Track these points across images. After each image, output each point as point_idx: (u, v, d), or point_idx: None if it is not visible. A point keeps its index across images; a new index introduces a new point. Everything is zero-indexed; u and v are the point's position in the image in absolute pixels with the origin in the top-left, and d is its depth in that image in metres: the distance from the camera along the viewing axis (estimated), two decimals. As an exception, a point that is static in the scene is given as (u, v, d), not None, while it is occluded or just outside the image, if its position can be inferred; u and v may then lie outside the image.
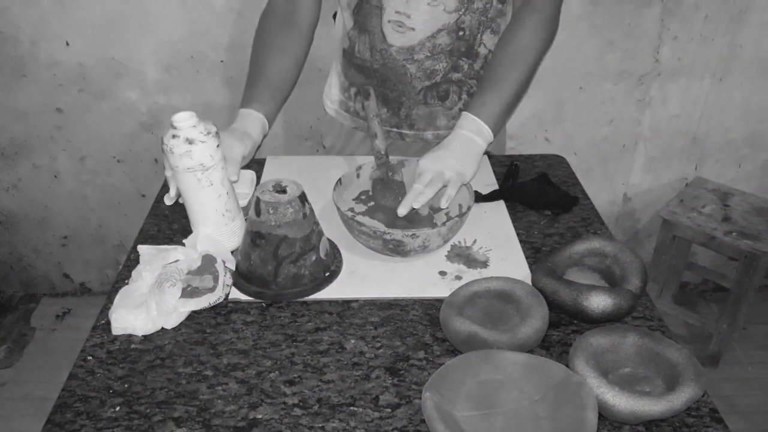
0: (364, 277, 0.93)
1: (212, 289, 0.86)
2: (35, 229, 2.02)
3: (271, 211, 0.85)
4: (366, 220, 1.02)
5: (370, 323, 0.86)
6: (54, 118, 1.81)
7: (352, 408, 0.74)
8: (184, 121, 0.86)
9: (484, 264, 0.96)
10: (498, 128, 1.05)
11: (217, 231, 0.95)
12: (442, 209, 1.04)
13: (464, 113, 1.04)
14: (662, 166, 1.96)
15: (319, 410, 0.74)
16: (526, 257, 0.98)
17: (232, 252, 0.96)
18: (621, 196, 2.02)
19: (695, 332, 2.02)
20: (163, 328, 0.85)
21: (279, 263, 0.88)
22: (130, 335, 0.84)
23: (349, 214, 1.00)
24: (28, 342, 2.02)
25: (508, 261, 0.97)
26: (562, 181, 1.19)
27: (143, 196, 1.96)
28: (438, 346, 0.82)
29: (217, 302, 0.87)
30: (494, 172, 1.20)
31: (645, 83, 1.81)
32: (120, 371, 0.79)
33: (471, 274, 0.94)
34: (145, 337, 0.84)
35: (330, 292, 0.90)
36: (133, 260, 0.96)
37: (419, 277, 0.93)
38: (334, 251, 0.97)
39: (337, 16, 1.21)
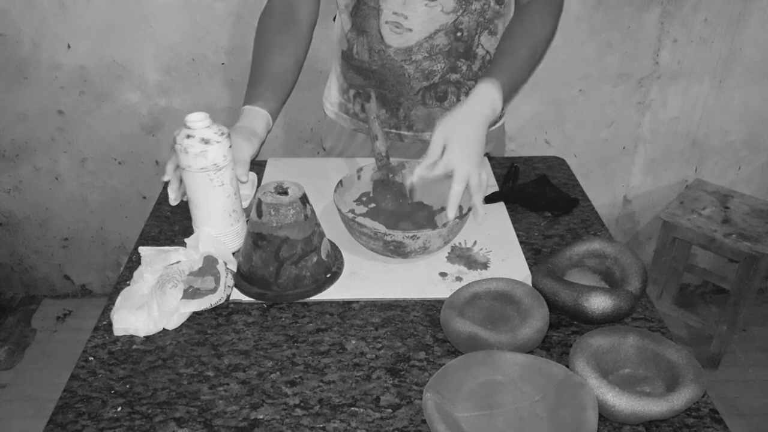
0: (365, 278, 0.94)
1: (213, 290, 0.87)
2: (36, 231, 2.03)
3: (272, 213, 0.86)
4: (367, 221, 1.02)
5: (371, 324, 0.86)
6: (55, 120, 1.81)
7: (353, 408, 0.74)
8: (199, 121, 0.88)
9: (485, 265, 0.96)
10: (506, 100, 1.04)
11: (222, 231, 0.95)
12: (444, 209, 1.05)
13: (481, 80, 1.01)
14: (662, 168, 1.97)
15: (320, 411, 0.74)
16: (527, 258, 0.98)
17: (233, 253, 0.96)
18: (621, 198, 2.02)
19: (695, 334, 2.02)
20: (164, 328, 0.85)
21: (280, 264, 0.88)
22: (132, 336, 0.84)
23: (350, 215, 1.00)
24: (29, 343, 2.02)
25: (508, 262, 0.97)
26: (562, 183, 1.19)
27: (144, 198, 1.96)
28: (438, 347, 0.83)
29: (219, 303, 0.88)
30: (494, 173, 1.20)
31: (645, 86, 1.81)
32: (121, 372, 0.79)
33: (471, 275, 0.94)
34: (147, 337, 0.84)
35: (331, 293, 0.91)
36: (134, 261, 0.96)
37: (420, 279, 0.93)
38: (335, 252, 0.98)
39: (336, 18, 1.21)
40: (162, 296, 0.84)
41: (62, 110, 1.80)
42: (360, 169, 1.06)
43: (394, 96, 1.17)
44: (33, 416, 1.77)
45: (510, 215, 1.08)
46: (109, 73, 1.74)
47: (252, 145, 1.03)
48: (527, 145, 1.91)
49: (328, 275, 0.93)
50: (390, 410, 0.74)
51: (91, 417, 0.73)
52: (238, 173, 0.96)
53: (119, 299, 0.87)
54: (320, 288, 0.91)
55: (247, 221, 0.99)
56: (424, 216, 1.04)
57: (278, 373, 0.79)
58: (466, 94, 1.17)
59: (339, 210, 0.95)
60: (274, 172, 1.20)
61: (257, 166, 1.22)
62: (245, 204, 1.06)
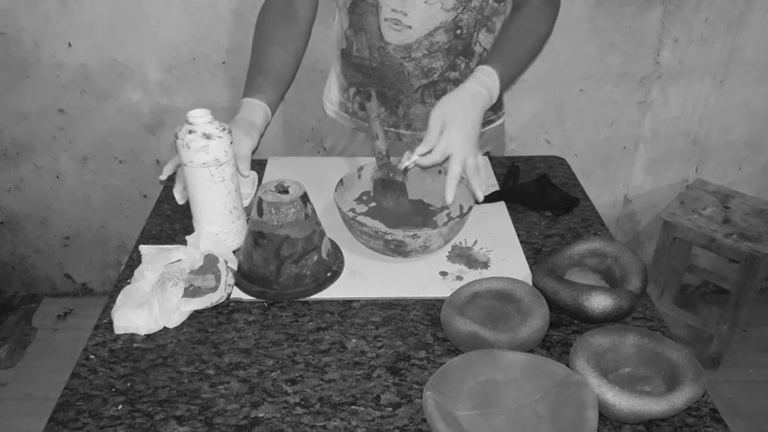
0: (366, 277, 0.94)
1: (214, 289, 0.87)
2: (37, 230, 2.03)
3: (273, 211, 0.86)
4: (367, 220, 1.02)
5: (372, 323, 0.86)
6: (56, 119, 1.81)
7: (353, 407, 0.74)
8: (201, 117, 0.88)
9: (485, 264, 0.96)
10: (502, 90, 1.06)
11: (223, 229, 0.95)
12: (445, 209, 1.05)
13: (480, 66, 1.03)
14: (663, 167, 1.97)
15: (321, 409, 0.74)
16: (527, 258, 0.98)
17: (234, 252, 0.96)
18: (621, 197, 2.02)
19: (696, 334, 2.02)
20: (165, 327, 0.85)
21: (281, 263, 0.88)
22: (133, 334, 0.84)
23: (351, 214, 1.00)
24: (29, 342, 2.02)
25: (508, 261, 0.97)
26: (563, 183, 1.19)
27: (145, 197, 1.96)
28: (439, 346, 0.83)
29: (219, 302, 0.88)
30: (495, 173, 1.20)
31: (646, 85, 1.81)
32: (122, 370, 0.79)
33: (472, 275, 0.94)
34: (148, 336, 0.84)
35: (331, 292, 0.91)
36: (135, 260, 0.96)
37: (420, 278, 0.94)
38: (336, 251, 0.98)
39: (335, 17, 1.21)
40: (163, 294, 0.84)
41: (63, 109, 1.80)
42: (360, 168, 1.06)
43: (394, 94, 1.17)
44: (34, 414, 1.77)
45: (510, 214, 1.08)
46: (111, 72, 1.74)
47: (252, 139, 1.03)
48: (528, 145, 1.91)
49: (329, 274, 0.93)
50: (390, 409, 0.74)
51: (91, 415, 0.73)
52: (240, 168, 0.97)
53: (120, 297, 0.87)
54: (321, 287, 0.91)
55: (247, 220, 0.99)
56: (424, 215, 1.05)
57: (279, 371, 0.79)
58: None
59: (339, 209, 0.95)
60: (274, 171, 1.20)
61: (258, 165, 1.22)
62: (246, 203, 1.06)
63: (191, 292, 0.86)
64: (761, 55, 1.77)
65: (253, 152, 1.06)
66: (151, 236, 1.03)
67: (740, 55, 1.77)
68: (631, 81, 1.80)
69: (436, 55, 1.10)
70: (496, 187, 1.15)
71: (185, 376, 0.78)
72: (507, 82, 1.06)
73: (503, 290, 0.86)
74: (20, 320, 2.08)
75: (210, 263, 0.89)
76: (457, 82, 1.15)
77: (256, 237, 0.88)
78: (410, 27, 1.08)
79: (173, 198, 1.13)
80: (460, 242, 1.01)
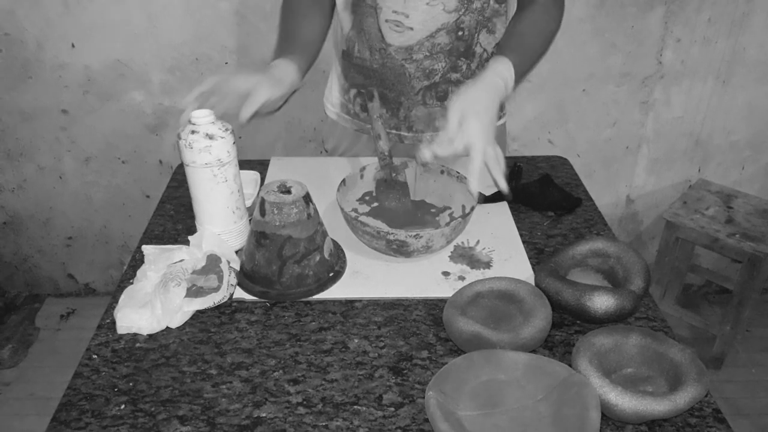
0: (368, 277, 0.94)
1: (217, 289, 0.87)
2: (40, 230, 2.03)
3: (275, 212, 0.86)
4: (370, 220, 1.02)
5: (374, 323, 0.86)
6: (59, 119, 1.82)
7: (355, 407, 0.74)
8: (203, 117, 0.89)
9: (488, 264, 0.96)
10: (517, 82, 1.05)
11: (226, 229, 0.95)
12: (447, 209, 1.05)
13: (496, 57, 1.02)
14: (665, 168, 1.96)
15: (323, 409, 0.74)
16: (529, 258, 0.98)
17: (236, 252, 0.96)
18: (624, 197, 2.02)
19: (698, 334, 2.01)
20: (167, 327, 0.85)
21: (283, 263, 0.88)
22: (135, 334, 0.84)
23: (353, 214, 1.00)
24: (32, 342, 2.02)
25: (511, 261, 0.97)
26: (565, 183, 1.19)
27: (147, 197, 1.97)
28: (441, 346, 0.83)
29: (222, 302, 0.88)
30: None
31: (648, 85, 1.81)
32: (125, 370, 0.79)
33: (474, 275, 0.94)
34: (150, 336, 0.84)
35: (334, 292, 0.91)
36: (137, 260, 0.96)
37: (422, 278, 0.94)
38: (338, 251, 0.98)
39: (335, 19, 1.21)
40: (165, 294, 0.84)
41: (66, 109, 1.80)
42: (363, 168, 1.06)
43: (395, 95, 1.17)
44: (36, 414, 1.77)
45: (513, 215, 1.08)
46: (113, 73, 1.75)
47: (272, 89, 0.99)
48: (530, 145, 1.91)
49: (331, 274, 0.93)
50: (392, 409, 0.74)
51: (94, 415, 0.73)
52: (242, 111, 0.94)
53: (123, 297, 0.87)
54: (323, 287, 0.91)
55: (250, 220, 0.99)
56: (426, 215, 1.05)
57: (281, 371, 0.79)
58: None
59: (342, 209, 0.95)
60: (276, 172, 1.20)
61: (260, 165, 1.22)
62: (248, 203, 1.06)
63: (194, 292, 0.86)
64: (764, 55, 1.77)
65: (270, 106, 1.01)
66: (153, 236, 1.03)
67: (743, 56, 1.77)
68: (633, 81, 1.80)
69: (437, 57, 1.10)
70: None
71: (188, 375, 0.78)
72: (520, 76, 1.05)
73: (506, 290, 0.86)
74: (23, 320, 2.09)
75: (212, 263, 0.89)
76: (458, 84, 1.15)
77: (259, 237, 0.88)
78: (412, 29, 1.08)
79: (176, 198, 1.13)
80: (463, 242, 1.01)
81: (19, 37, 1.68)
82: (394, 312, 0.88)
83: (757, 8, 1.69)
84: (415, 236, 0.90)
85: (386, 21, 1.08)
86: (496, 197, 1.10)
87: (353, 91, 1.22)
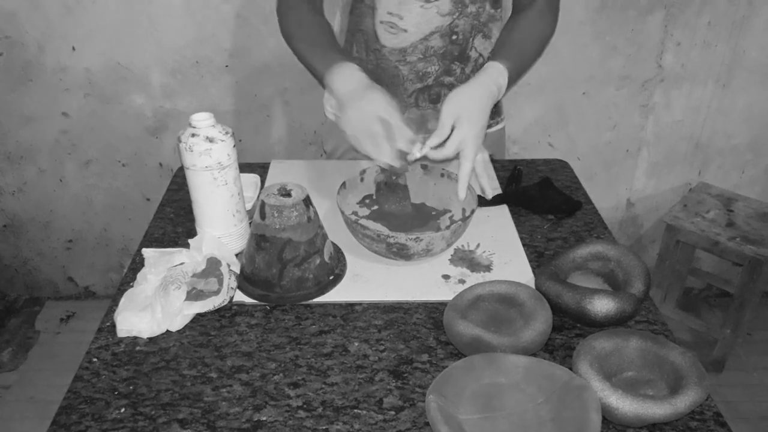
0: (368, 281, 0.94)
1: (217, 292, 0.87)
2: (40, 233, 2.03)
3: (275, 215, 0.86)
4: (370, 223, 1.02)
5: (374, 326, 0.86)
6: (60, 122, 1.82)
7: (355, 410, 0.74)
8: (204, 120, 0.89)
9: (488, 268, 0.96)
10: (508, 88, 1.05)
11: (226, 232, 0.95)
12: (447, 212, 1.05)
13: (491, 62, 1.02)
14: (665, 171, 1.96)
15: (323, 413, 0.74)
16: (530, 261, 0.98)
17: (236, 255, 0.96)
18: (624, 201, 2.02)
19: (699, 338, 2.01)
20: (167, 330, 0.85)
21: (283, 266, 0.88)
22: (135, 337, 0.84)
23: (353, 217, 1.00)
24: (32, 345, 2.02)
25: (511, 265, 0.97)
26: (566, 186, 1.19)
27: (148, 200, 1.97)
28: (441, 350, 0.83)
29: (222, 305, 0.88)
30: (498, 176, 1.20)
31: (648, 89, 1.81)
32: (125, 373, 0.79)
33: (474, 278, 0.94)
34: (150, 339, 0.84)
35: (334, 296, 0.91)
36: (138, 263, 0.96)
37: (423, 281, 0.94)
38: (338, 254, 0.98)
39: (336, 18, 1.21)
40: (165, 298, 0.84)
41: (67, 112, 1.81)
42: (363, 171, 1.06)
43: None
44: (36, 417, 1.77)
45: (513, 218, 1.08)
46: (114, 76, 1.75)
47: (391, 99, 0.94)
48: (530, 148, 1.91)
49: (331, 277, 0.93)
50: (393, 412, 0.74)
51: (94, 418, 0.73)
52: (405, 134, 0.90)
53: (123, 301, 0.87)
54: (323, 290, 0.91)
55: (250, 223, 0.99)
56: (427, 218, 1.05)
57: (281, 374, 0.79)
58: None
59: (342, 212, 0.95)
60: (277, 174, 1.20)
61: (260, 168, 1.22)
62: (248, 206, 1.06)
63: (194, 295, 0.86)
64: (764, 58, 1.77)
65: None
66: (153, 239, 1.03)
67: (743, 59, 1.77)
68: (633, 84, 1.80)
69: (431, 60, 1.10)
70: (499, 190, 1.15)
71: (188, 379, 0.78)
72: (512, 82, 1.06)
73: (506, 294, 0.86)
74: (23, 323, 2.09)
75: (212, 266, 0.89)
76: (452, 87, 1.15)
77: (259, 240, 0.88)
78: (405, 30, 1.08)
79: (176, 201, 1.13)
80: (463, 245, 1.01)
81: (20, 40, 1.69)
82: (395, 315, 0.88)
83: (757, 11, 1.70)
84: (415, 239, 0.90)
85: (381, 22, 1.09)
86: (496, 200, 1.10)
87: None
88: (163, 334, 0.85)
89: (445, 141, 0.94)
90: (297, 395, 0.76)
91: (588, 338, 0.78)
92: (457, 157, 0.94)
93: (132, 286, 0.91)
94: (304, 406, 0.75)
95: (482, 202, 1.08)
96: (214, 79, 1.76)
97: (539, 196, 1.12)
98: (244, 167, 1.18)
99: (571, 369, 0.75)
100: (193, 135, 0.89)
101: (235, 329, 0.86)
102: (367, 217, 1.04)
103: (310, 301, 0.90)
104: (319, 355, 0.81)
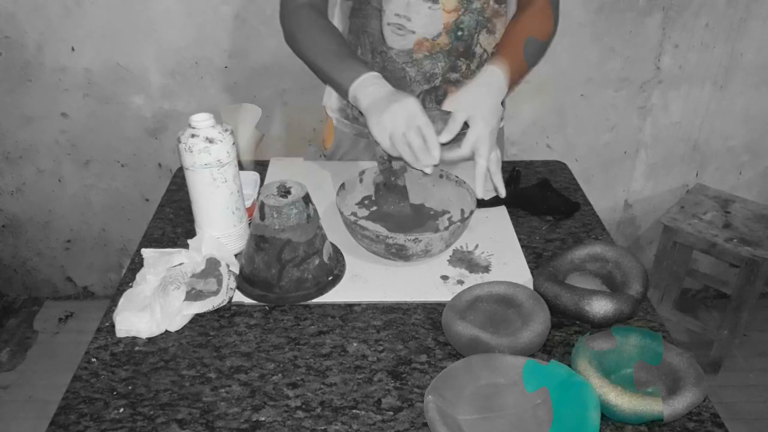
0: (367, 281, 0.94)
1: (216, 293, 0.87)
2: (39, 233, 2.03)
3: (275, 215, 0.86)
4: (369, 224, 1.02)
5: (373, 327, 0.86)
6: (59, 122, 1.82)
7: (354, 411, 0.74)
8: (203, 121, 0.89)
9: (486, 268, 0.97)
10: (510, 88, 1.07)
11: (225, 232, 0.96)
12: (446, 213, 1.05)
13: (494, 60, 1.03)
14: (663, 172, 1.97)
15: (322, 413, 0.74)
16: (528, 262, 0.98)
17: (235, 255, 0.97)
18: (622, 202, 2.03)
19: (696, 339, 2.02)
20: (166, 330, 0.85)
21: (282, 267, 0.88)
22: (134, 338, 0.84)
23: (352, 218, 1.00)
24: (30, 345, 2.02)
25: (509, 266, 0.97)
26: (564, 187, 1.19)
27: (147, 200, 1.97)
28: (440, 350, 0.83)
29: (221, 305, 0.88)
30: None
31: (646, 90, 1.82)
32: (124, 373, 0.79)
33: (473, 279, 0.94)
34: (149, 339, 0.84)
35: (333, 296, 0.91)
36: (137, 263, 0.96)
37: (421, 281, 0.94)
38: (337, 255, 0.98)
39: (336, 21, 1.21)
40: (164, 298, 0.84)
41: (66, 113, 1.81)
42: (362, 172, 1.07)
43: None
44: (35, 417, 1.77)
45: (511, 219, 1.09)
46: (113, 76, 1.75)
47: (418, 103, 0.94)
48: (529, 149, 1.91)
49: (330, 278, 0.93)
50: (391, 413, 0.74)
51: (93, 418, 0.73)
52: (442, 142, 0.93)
53: (122, 301, 0.87)
54: (322, 291, 0.91)
55: (249, 224, 0.99)
56: (425, 219, 1.05)
57: (280, 375, 0.79)
58: None
59: (341, 213, 0.95)
60: (276, 172, 1.21)
61: (260, 165, 1.22)
62: (248, 203, 1.06)
63: (193, 295, 0.86)
64: (761, 60, 1.77)
65: None
66: (153, 240, 1.03)
67: (740, 61, 1.77)
68: (631, 86, 1.81)
69: (437, 57, 1.11)
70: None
71: (186, 379, 0.78)
72: (515, 81, 1.07)
73: (504, 294, 0.86)
74: (21, 323, 2.08)
75: (212, 267, 0.90)
76: (457, 83, 1.15)
77: (258, 241, 0.88)
78: (414, 32, 1.08)
79: (175, 201, 1.13)
80: (462, 246, 1.01)
81: (19, 40, 1.69)
82: (393, 316, 0.88)
83: (755, 13, 1.70)
84: (414, 240, 0.90)
85: (388, 24, 1.09)
86: (495, 201, 1.11)
87: None
88: (162, 334, 0.85)
89: (453, 140, 0.96)
90: (296, 395, 0.76)
91: (586, 336, 0.78)
92: (471, 157, 0.96)
93: (131, 287, 0.91)
94: (303, 406, 0.75)
95: (481, 203, 1.08)
96: (213, 79, 1.76)
97: (538, 197, 1.12)
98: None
99: (570, 366, 0.76)
100: (192, 135, 0.89)
101: (234, 329, 0.86)
102: (366, 218, 1.04)
103: (309, 302, 0.90)
104: (318, 356, 0.82)
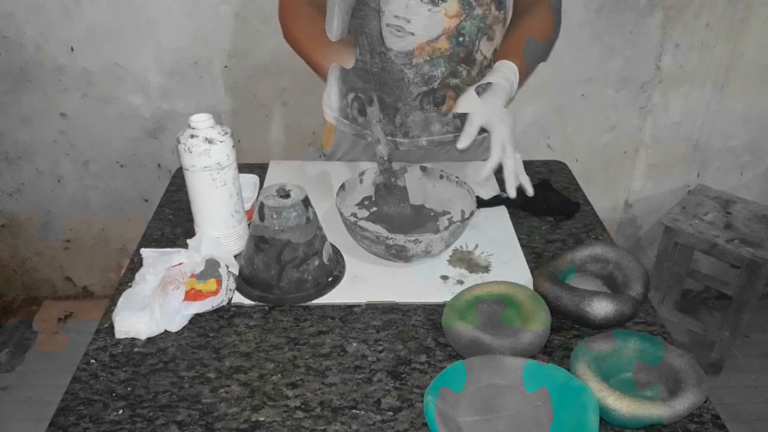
0: (367, 282, 0.94)
1: (215, 293, 0.87)
2: (38, 233, 2.03)
3: (274, 216, 0.86)
4: (369, 225, 1.02)
5: (373, 327, 0.86)
6: (58, 122, 1.82)
7: (354, 411, 0.74)
8: (203, 122, 0.89)
9: (486, 269, 0.96)
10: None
11: (225, 233, 0.95)
12: (446, 213, 1.05)
13: (503, 61, 1.06)
14: (664, 173, 1.97)
15: (321, 413, 0.74)
16: (528, 262, 0.98)
17: (235, 256, 0.96)
18: (623, 202, 2.02)
19: (697, 340, 2.01)
20: (166, 331, 0.85)
21: (282, 268, 0.88)
22: (134, 338, 0.84)
23: (352, 219, 1.00)
24: (29, 345, 2.02)
25: (510, 266, 0.97)
26: (564, 187, 1.19)
27: (146, 200, 1.96)
28: (440, 351, 0.82)
29: (220, 306, 0.88)
30: (497, 177, 1.20)
31: (647, 90, 1.81)
32: (123, 374, 0.79)
33: (473, 279, 0.94)
34: (149, 340, 0.84)
35: (332, 297, 0.91)
36: (136, 263, 0.96)
37: (421, 282, 0.93)
38: (337, 256, 0.98)
39: (336, 21, 1.20)
40: (164, 298, 0.84)
41: (65, 113, 1.80)
42: (362, 173, 1.06)
43: (393, 101, 1.16)
44: (34, 419, 1.76)
45: (512, 219, 1.08)
46: (112, 76, 1.74)
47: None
48: (529, 150, 1.91)
49: (330, 279, 0.93)
50: (391, 413, 0.74)
51: (92, 420, 0.73)
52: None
53: (121, 301, 0.87)
54: (322, 291, 0.91)
55: (249, 224, 0.99)
56: (425, 219, 1.05)
57: (279, 375, 0.79)
58: None
59: (341, 213, 0.95)
60: (275, 175, 1.20)
61: (259, 168, 1.22)
62: (247, 206, 1.06)
63: (192, 295, 0.86)
64: (762, 60, 1.77)
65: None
66: (152, 240, 1.03)
67: (741, 61, 1.77)
68: (632, 86, 1.81)
69: (437, 62, 1.10)
70: (498, 192, 1.15)
71: (186, 380, 0.78)
72: (522, 80, 1.09)
73: (504, 295, 0.86)
74: (21, 323, 2.08)
75: (211, 267, 0.89)
76: (457, 89, 1.15)
77: (258, 242, 0.88)
78: (413, 34, 1.08)
79: (175, 202, 1.13)
80: (462, 246, 1.01)
81: (18, 40, 1.68)
82: (393, 316, 0.88)
83: (755, 13, 1.70)
84: (414, 241, 0.90)
85: (387, 25, 1.08)
86: (495, 201, 1.10)
87: (351, 96, 1.21)
88: (161, 334, 0.85)
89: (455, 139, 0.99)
90: (295, 395, 0.76)
91: (586, 340, 0.78)
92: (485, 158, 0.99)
93: (130, 287, 0.91)
94: (303, 406, 0.75)
95: (481, 203, 1.08)
96: (212, 79, 1.76)
97: (538, 197, 1.12)
98: (243, 168, 1.17)
99: (569, 370, 0.75)
100: (192, 136, 0.89)
101: (234, 330, 0.85)
102: (366, 219, 1.04)
103: (309, 303, 0.90)
104: (318, 356, 0.81)
